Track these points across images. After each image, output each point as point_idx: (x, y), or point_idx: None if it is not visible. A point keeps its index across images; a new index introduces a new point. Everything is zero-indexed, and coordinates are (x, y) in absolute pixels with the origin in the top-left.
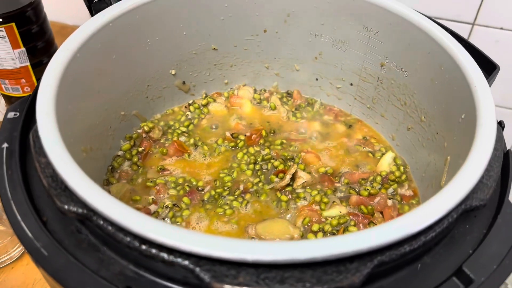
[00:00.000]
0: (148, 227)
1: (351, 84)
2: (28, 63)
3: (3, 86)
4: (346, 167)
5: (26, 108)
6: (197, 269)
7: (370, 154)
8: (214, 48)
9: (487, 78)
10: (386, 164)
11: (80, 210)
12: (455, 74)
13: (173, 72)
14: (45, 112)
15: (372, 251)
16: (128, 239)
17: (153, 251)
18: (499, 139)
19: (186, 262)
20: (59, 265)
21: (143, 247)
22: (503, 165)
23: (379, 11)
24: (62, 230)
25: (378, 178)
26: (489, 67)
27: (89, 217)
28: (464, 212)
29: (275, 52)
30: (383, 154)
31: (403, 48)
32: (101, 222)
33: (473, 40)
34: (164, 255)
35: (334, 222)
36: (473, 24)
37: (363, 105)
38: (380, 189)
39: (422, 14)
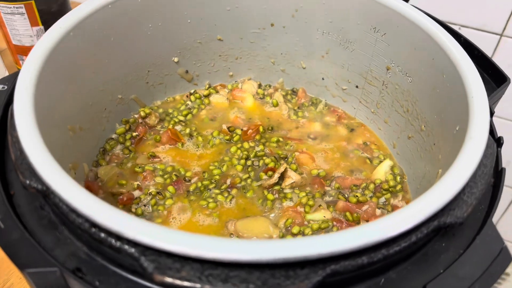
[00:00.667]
0: (97, 211)
1: (357, 87)
2: None
3: (20, 61)
4: (340, 171)
5: (13, 81)
6: (142, 258)
7: (367, 160)
8: (220, 38)
9: (495, 90)
10: (382, 172)
11: (39, 186)
12: (455, 82)
13: (175, 59)
14: (24, 87)
15: (324, 258)
16: (80, 220)
17: (102, 235)
18: (490, 156)
19: (132, 250)
20: (12, 239)
21: (93, 230)
22: (494, 183)
23: (387, 11)
24: (26, 205)
25: (371, 186)
26: (499, 79)
27: (47, 194)
28: (437, 229)
29: (282, 48)
30: (381, 162)
31: (409, 52)
32: (57, 201)
33: (500, 52)
34: (112, 241)
35: (315, 226)
36: (501, 35)
37: (368, 109)
38: (371, 197)
39: (438, 20)
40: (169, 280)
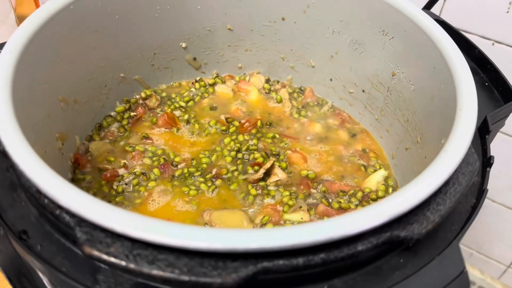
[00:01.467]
0: (43, 178)
1: (363, 91)
2: None
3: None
4: (331, 175)
5: None
6: (77, 229)
7: (362, 168)
8: (230, 28)
9: (499, 106)
10: (374, 181)
11: (1, 147)
12: (450, 93)
13: (183, 45)
14: (9, 50)
15: (257, 253)
16: (28, 184)
17: (46, 201)
18: (469, 173)
19: (68, 219)
20: None
21: (37, 195)
22: (474, 204)
23: (397, 14)
24: None
25: (359, 194)
26: (508, 96)
27: (6, 155)
28: (390, 242)
29: (292, 43)
30: (375, 171)
31: (414, 59)
32: (13, 162)
33: None
34: (53, 208)
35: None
36: None
37: (372, 115)
38: (357, 205)
39: (453, 29)
40: (96, 253)
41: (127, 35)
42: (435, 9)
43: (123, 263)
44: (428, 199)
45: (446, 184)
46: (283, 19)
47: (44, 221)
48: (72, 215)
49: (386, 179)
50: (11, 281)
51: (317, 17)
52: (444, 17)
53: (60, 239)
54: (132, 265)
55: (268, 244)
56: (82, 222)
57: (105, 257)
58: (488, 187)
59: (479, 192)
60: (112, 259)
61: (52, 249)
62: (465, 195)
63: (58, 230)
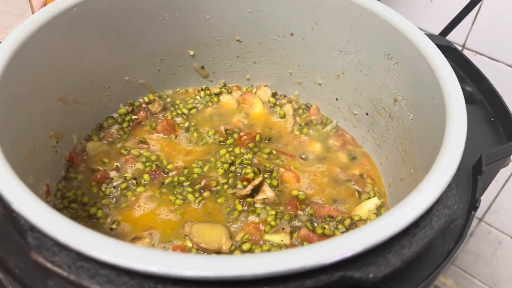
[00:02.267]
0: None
1: (367, 114)
2: None
3: None
4: (322, 198)
5: None
6: (29, 233)
7: (356, 194)
8: (238, 39)
9: (502, 143)
10: (366, 209)
11: None
12: (442, 127)
13: (191, 53)
14: (2, 49)
15: (194, 280)
16: None
17: (4, 202)
18: (444, 216)
19: (22, 222)
20: None
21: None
22: (452, 248)
23: (401, 39)
24: None
25: (347, 221)
26: None
27: None
28: (344, 283)
29: (299, 59)
30: (369, 198)
31: (415, 87)
32: None
33: None
34: (8, 206)
35: (266, 248)
36: None
37: (374, 140)
38: (343, 232)
39: (464, 58)
40: (41, 260)
41: (133, 40)
42: (460, 34)
43: (65, 273)
44: (391, 240)
45: (415, 226)
46: (291, 34)
47: (8, 220)
48: (26, 219)
49: (379, 208)
50: None
51: (325, 35)
52: (471, 43)
53: (20, 241)
54: (72, 277)
55: (202, 273)
56: (34, 227)
57: (49, 265)
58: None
59: (459, 236)
60: (55, 268)
61: (10, 249)
62: (443, 238)
63: (18, 231)
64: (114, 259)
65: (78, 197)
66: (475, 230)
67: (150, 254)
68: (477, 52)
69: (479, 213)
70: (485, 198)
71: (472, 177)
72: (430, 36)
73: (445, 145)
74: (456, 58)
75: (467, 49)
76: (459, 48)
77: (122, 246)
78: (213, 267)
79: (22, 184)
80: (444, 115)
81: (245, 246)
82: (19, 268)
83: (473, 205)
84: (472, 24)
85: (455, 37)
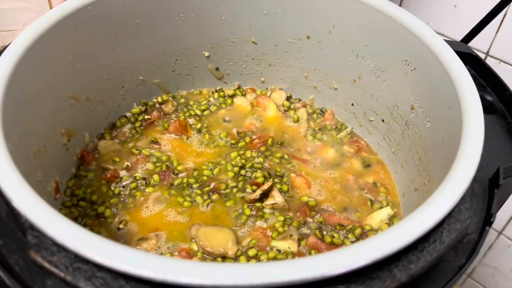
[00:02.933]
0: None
1: (383, 121)
2: None
3: None
4: (332, 205)
5: None
6: (29, 231)
7: (368, 202)
8: (254, 41)
9: None
10: (377, 219)
11: None
12: (458, 138)
13: (206, 54)
14: (15, 46)
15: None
16: None
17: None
18: (455, 231)
19: (22, 220)
20: None
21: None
22: (462, 265)
23: (420, 45)
24: None
25: (358, 230)
26: None
27: None
28: None
29: (315, 63)
30: (381, 207)
31: (432, 95)
32: None
33: None
34: (10, 206)
35: (272, 255)
36: None
37: (390, 147)
38: (353, 242)
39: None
40: (39, 259)
41: (148, 40)
42: (484, 41)
43: (62, 274)
44: (398, 254)
45: (425, 240)
46: (308, 37)
47: (11, 218)
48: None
49: (391, 218)
50: None
51: (342, 39)
52: (495, 51)
53: (22, 238)
54: (69, 278)
55: (197, 280)
56: (34, 225)
57: (46, 265)
58: None
59: (472, 251)
60: (53, 269)
61: (11, 246)
62: (454, 253)
63: (20, 229)
64: (110, 262)
65: (87, 195)
66: (494, 243)
67: (146, 259)
68: (501, 60)
69: (499, 225)
70: (506, 211)
71: (489, 191)
72: (451, 42)
73: (459, 157)
74: (477, 66)
75: (491, 56)
76: (483, 55)
77: (119, 249)
78: (207, 275)
79: (24, 182)
80: (461, 125)
81: (251, 252)
82: (19, 266)
83: (488, 220)
84: (497, 31)
85: (479, 44)
